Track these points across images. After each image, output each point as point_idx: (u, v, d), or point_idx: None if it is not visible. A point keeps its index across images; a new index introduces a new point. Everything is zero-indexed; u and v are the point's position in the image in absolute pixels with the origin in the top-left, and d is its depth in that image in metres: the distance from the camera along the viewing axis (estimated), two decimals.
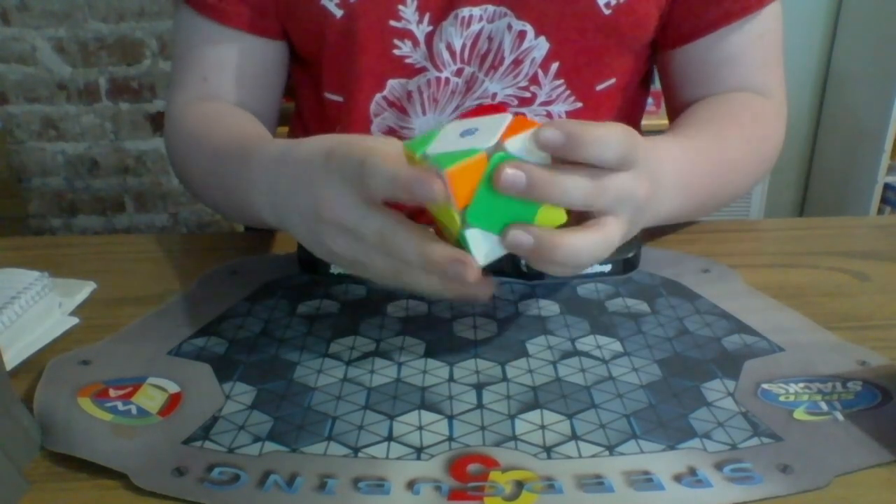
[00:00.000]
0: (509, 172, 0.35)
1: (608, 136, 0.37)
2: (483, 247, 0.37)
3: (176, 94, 0.68)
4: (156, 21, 2.12)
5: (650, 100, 0.81)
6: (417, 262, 0.38)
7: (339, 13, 0.62)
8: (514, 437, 0.37)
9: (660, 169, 0.46)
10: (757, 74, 0.65)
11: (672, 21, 0.65)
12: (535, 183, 0.36)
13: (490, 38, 0.62)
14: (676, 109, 0.68)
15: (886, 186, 2.18)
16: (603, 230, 0.39)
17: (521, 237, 0.37)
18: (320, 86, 0.69)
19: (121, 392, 0.41)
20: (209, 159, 0.58)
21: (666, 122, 0.68)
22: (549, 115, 0.66)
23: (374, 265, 0.40)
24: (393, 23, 0.62)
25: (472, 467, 0.35)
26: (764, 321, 0.48)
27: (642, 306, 0.50)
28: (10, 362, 0.43)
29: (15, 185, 2.29)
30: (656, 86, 0.75)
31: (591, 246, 0.38)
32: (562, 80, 0.64)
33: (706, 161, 0.55)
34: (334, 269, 0.55)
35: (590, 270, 0.54)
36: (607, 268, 0.55)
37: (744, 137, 0.60)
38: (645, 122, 0.82)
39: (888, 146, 2.13)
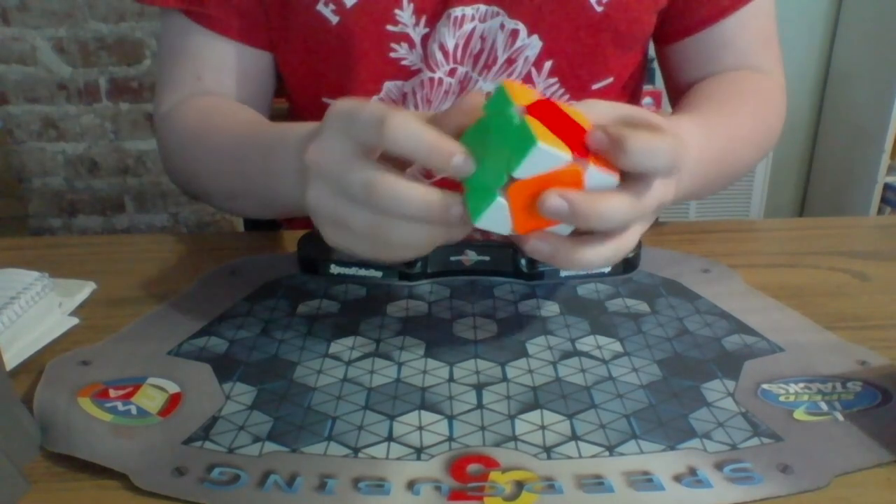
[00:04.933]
0: (554, 202, 0.35)
1: (658, 147, 0.37)
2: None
3: (168, 93, 0.67)
4: (156, 21, 2.12)
5: (649, 100, 0.81)
6: (407, 208, 0.37)
7: (335, 19, 0.62)
8: (514, 438, 0.37)
9: (686, 155, 0.46)
10: (753, 54, 0.66)
11: (669, 18, 0.66)
12: (577, 211, 0.36)
13: (483, 38, 0.62)
14: (677, 91, 0.70)
15: (886, 186, 2.18)
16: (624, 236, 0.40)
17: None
18: (317, 91, 0.68)
19: (121, 392, 0.41)
20: (221, 151, 0.57)
21: None
22: None
23: (355, 221, 0.39)
24: (390, 27, 0.62)
25: (472, 467, 0.35)
26: (764, 321, 0.48)
27: (642, 306, 0.50)
28: (10, 362, 0.43)
29: (15, 186, 2.29)
30: (656, 86, 0.76)
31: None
32: (555, 79, 0.65)
33: (720, 138, 0.55)
34: (334, 270, 0.55)
35: (590, 270, 0.54)
36: (607, 268, 0.55)
37: (751, 113, 0.61)
38: None
39: (888, 146, 2.13)
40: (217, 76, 0.66)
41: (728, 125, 0.57)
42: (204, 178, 0.61)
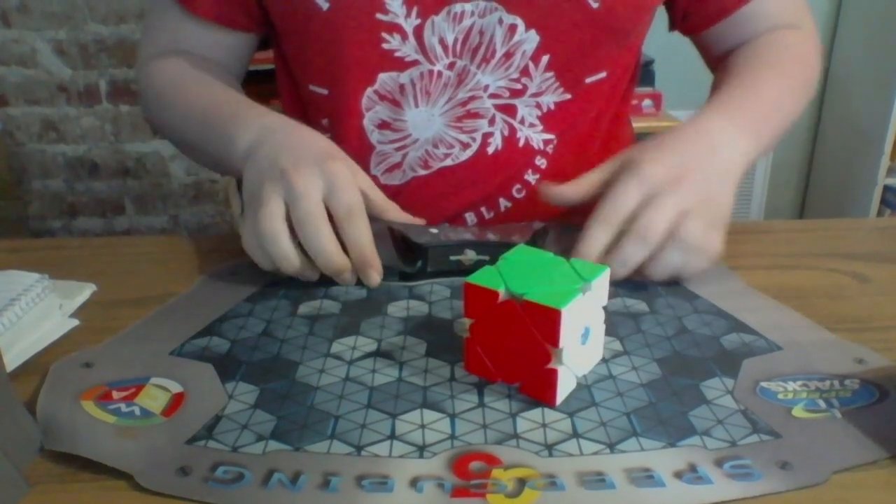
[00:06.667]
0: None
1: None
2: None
3: (152, 39, 0.72)
4: None
5: (649, 102, 0.81)
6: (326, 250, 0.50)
7: (325, 5, 0.62)
8: (516, 436, 0.37)
9: (707, 140, 0.56)
10: (781, 14, 0.70)
11: (688, 12, 0.70)
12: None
13: (481, 32, 0.63)
14: (715, 62, 0.74)
15: (886, 188, 2.19)
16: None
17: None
18: (304, 79, 0.69)
19: (124, 393, 0.41)
20: (192, 107, 0.64)
21: (665, 123, 0.69)
22: (538, 105, 0.67)
23: (274, 218, 0.50)
24: (380, 16, 0.62)
25: (475, 465, 0.35)
26: (762, 320, 0.48)
27: (641, 306, 0.51)
28: (11, 364, 0.43)
29: (15, 187, 2.29)
30: (656, 87, 0.76)
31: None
32: (552, 73, 0.65)
33: (750, 105, 0.61)
34: None
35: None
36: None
37: (777, 73, 0.66)
38: (645, 123, 0.83)
39: (888, 148, 2.14)
40: (192, 46, 0.71)
41: (754, 91, 0.62)
42: (173, 127, 0.69)
